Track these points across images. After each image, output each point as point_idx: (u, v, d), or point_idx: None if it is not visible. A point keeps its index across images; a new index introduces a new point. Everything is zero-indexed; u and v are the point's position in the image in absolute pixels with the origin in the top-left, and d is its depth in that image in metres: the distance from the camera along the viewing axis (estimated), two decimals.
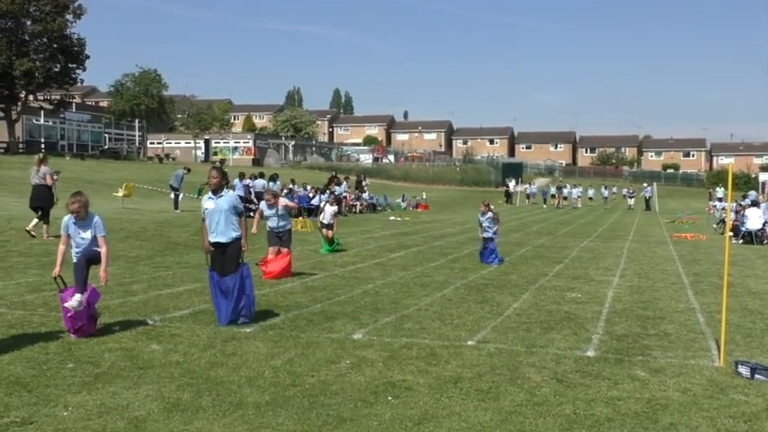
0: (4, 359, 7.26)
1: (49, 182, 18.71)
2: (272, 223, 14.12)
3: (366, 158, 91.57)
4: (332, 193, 21.73)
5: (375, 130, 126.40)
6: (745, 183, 79.19)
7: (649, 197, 54.80)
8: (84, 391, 6.34)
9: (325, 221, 18.76)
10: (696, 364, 7.87)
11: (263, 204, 14.31)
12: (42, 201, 18.65)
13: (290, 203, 14.62)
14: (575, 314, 10.64)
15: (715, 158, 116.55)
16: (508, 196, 59.53)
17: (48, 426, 5.50)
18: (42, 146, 60.78)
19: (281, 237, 14.15)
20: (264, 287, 12.34)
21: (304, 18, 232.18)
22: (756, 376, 7.35)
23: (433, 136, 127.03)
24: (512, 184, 61.62)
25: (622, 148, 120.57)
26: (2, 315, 9.31)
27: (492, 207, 17.39)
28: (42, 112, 62.71)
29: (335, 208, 19.75)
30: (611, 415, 6.12)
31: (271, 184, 30.30)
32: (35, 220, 18.36)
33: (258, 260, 13.98)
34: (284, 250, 13.93)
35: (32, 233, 18.06)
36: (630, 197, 57.42)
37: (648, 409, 6.30)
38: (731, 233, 8.09)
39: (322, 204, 20.56)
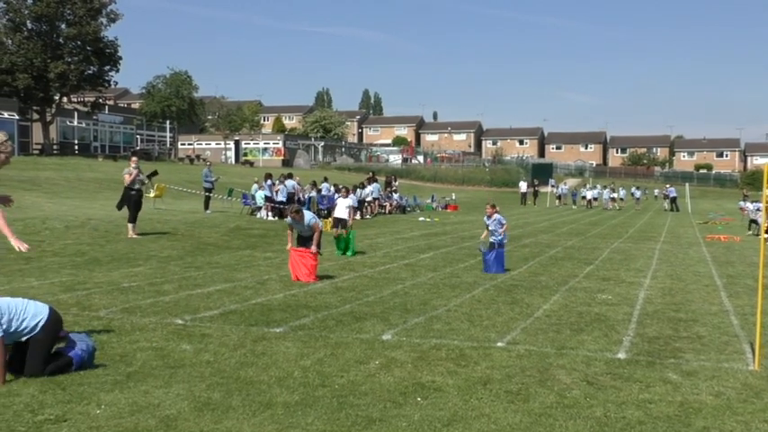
0: None
1: (126, 181, 19.51)
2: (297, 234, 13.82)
3: (395, 159, 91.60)
4: (345, 187, 20.86)
5: (404, 131, 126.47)
6: None
7: (674, 197, 53.91)
8: (116, 390, 6.40)
9: (336, 215, 17.89)
10: (730, 368, 7.76)
11: (288, 219, 13.88)
12: (122, 201, 20.01)
13: (316, 224, 13.71)
14: (605, 316, 10.55)
15: (749, 158, 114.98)
16: (524, 197, 58.11)
17: (81, 423, 5.55)
18: (76, 147, 61.61)
19: (306, 241, 13.60)
20: (293, 288, 12.40)
21: (333, 20, 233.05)
22: None
23: (462, 137, 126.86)
24: (523, 184, 60.34)
25: (654, 149, 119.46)
26: None
27: (498, 209, 16.28)
28: (76, 113, 63.50)
29: (350, 200, 18.93)
30: (643, 418, 6.06)
31: (288, 182, 30.43)
32: (129, 224, 19.54)
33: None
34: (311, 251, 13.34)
35: (132, 236, 19.27)
36: (665, 198, 55.78)
37: (681, 413, 6.23)
38: (766, 234, 7.96)
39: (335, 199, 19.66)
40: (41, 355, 6.72)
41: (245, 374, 7.00)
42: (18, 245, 7.74)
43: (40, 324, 6.78)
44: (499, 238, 15.49)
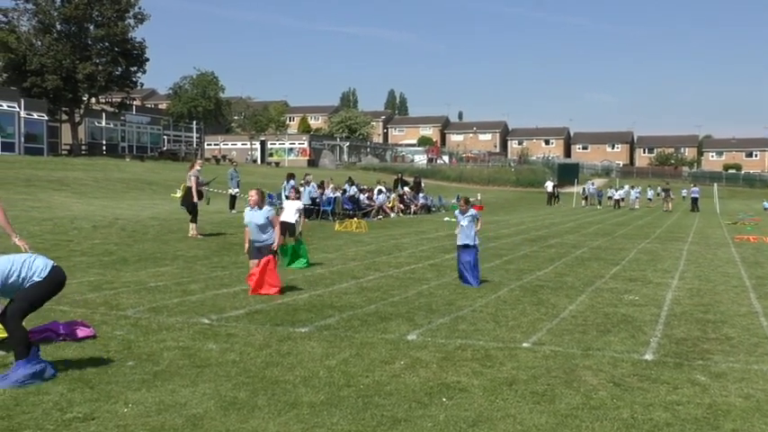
0: (67, 357, 7.43)
1: (193, 185, 20.06)
2: (252, 236, 12.14)
3: (420, 159, 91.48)
4: (294, 188, 17.66)
5: (430, 131, 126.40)
6: None
7: (696, 198, 53.12)
8: (143, 389, 6.45)
9: (283, 219, 14.86)
10: (759, 370, 7.68)
11: (246, 210, 12.29)
12: (186, 202, 20.29)
13: (276, 218, 12.31)
14: (632, 317, 10.47)
15: None
16: (550, 197, 57.41)
17: (109, 422, 5.61)
18: (104, 148, 62.22)
19: (262, 251, 11.91)
20: (319, 287, 12.43)
21: (359, 20, 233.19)
22: None
23: (488, 137, 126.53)
24: (549, 184, 59.75)
25: (681, 149, 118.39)
26: (64, 313, 9.53)
27: (471, 204, 14.23)
28: (104, 114, 64.14)
29: (299, 203, 16.46)
30: (671, 420, 6.01)
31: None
32: (191, 224, 19.98)
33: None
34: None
35: (192, 236, 19.65)
36: (693, 199, 54.42)
37: (709, 415, 6.17)
38: None
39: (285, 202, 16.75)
40: (27, 300, 6.63)
41: (271, 374, 7.03)
42: (22, 244, 7.93)
43: (42, 275, 6.68)
44: (472, 237, 13.39)
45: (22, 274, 6.58)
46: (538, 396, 6.55)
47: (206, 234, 20.35)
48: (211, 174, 27.73)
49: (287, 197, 17.59)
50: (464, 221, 13.44)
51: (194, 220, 19.81)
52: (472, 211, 13.69)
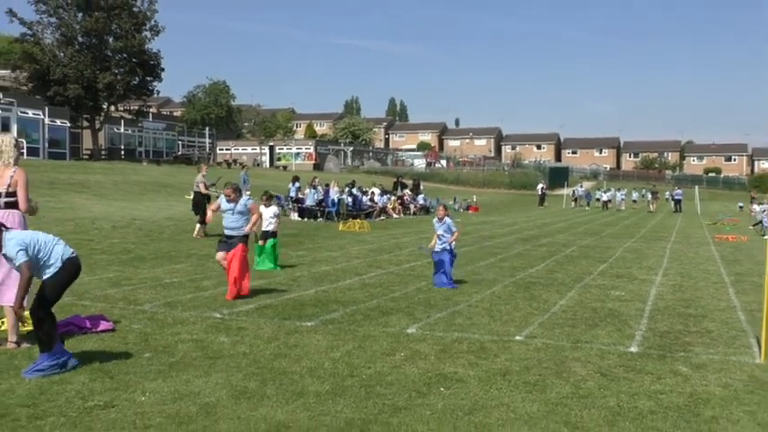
0: (88, 348, 7.44)
1: (202, 189, 19.90)
2: (225, 222, 11.18)
3: (419, 163, 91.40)
4: (267, 193, 15.67)
5: (428, 137, 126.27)
6: None
7: (678, 199, 53.11)
8: (159, 379, 6.46)
9: (264, 228, 14.41)
10: (737, 361, 7.68)
11: (221, 198, 11.31)
12: (195, 206, 20.50)
13: (255, 208, 11.56)
14: (618, 311, 10.47)
15: (756, 163, 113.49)
16: (542, 198, 56.79)
17: (127, 409, 5.62)
18: (122, 152, 62.23)
19: (232, 242, 11.00)
20: (324, 283, 12.43)
21: (361, 33, 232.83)
22: None
23: (483, 142, 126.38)
24: (540, 186, 59.56)
25: (665, 153, 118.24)
26: (86, 308, 9.55)
27: (449, 212, 13.42)
28: (122, 121, 64.16)
29: (274, 208, 15.21)
30: (654, 408, 6.01)
31: (297, 185, 30.39)
32: (197, 225, 19.99)
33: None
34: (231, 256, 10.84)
35: (197, 236, 19.69)
36: (675, 200, 54.44)
37: (690, 403, 6.17)
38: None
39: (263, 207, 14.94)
40: (50, 291, 6.63)
41: (279, 365, 7.04)
42: None
43: (59, 264, 6.67)
44: (446, 245, 12.64)
45: (44, 256, 6.60)
46: (530, 386, 6.55)
47: (213, 235, 20.28)
48: (216, 175, 27.65)
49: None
50: (440, 230, 12.75)
51: (202, 221, 19.76)
52: (448, 221, 12.81)
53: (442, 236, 12.71)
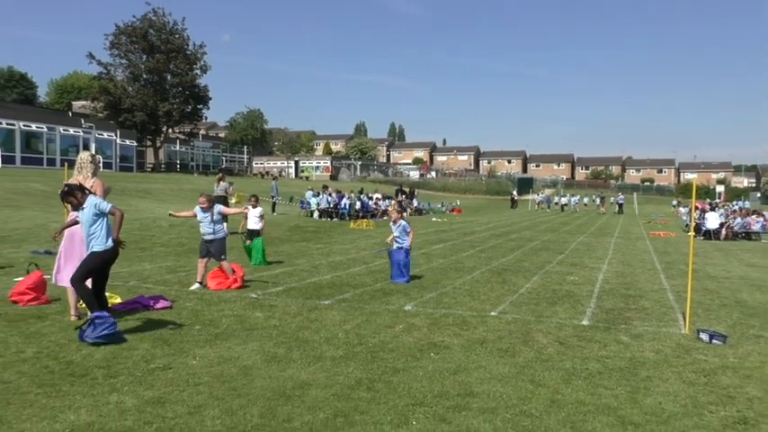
0: (151, 321, 7.44)
1: (229, 193, 20.09)
2: (202, 229, 10.13)
3: (414, 174, 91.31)
4: (254, 196, 14.64)
5: (421, 153, 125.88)
6: (705, 193, 78.47)
7: (621, 203, 53.22)
8: (207, 346, 6.46)
9: (250, 227, 13.62)
10: (667, 332, 7.66)
11: (197, 208, 10.18)
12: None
13: (227, 210, 10.89)
14: (573, 292, 10.45)
15: (682, 174, 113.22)
16: (513, 202, 57.56)
17: (182, 371, 5.62)
18: (178, 166, 62.17)
19: (211, 246, 10.07)
20: (338, 270, 12.40)
21: (368, 70, 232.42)
22: (713, 341, 7.15)
23: (465, 157, 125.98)
24: (515, 192, 60.02)
25: (610, 166, 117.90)
26: (149, 289, 9.54)
27: (405, 215, 11.36)
28: (178, 141, 64.05)
29: (260, 209, 14.25)
30: (602, 369, 6.00)
31: (310, 192, 30.28)
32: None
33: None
34: (225, 265, 10.13)
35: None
36: (619, 204, 54.32)
37: (630, 365, 6.16)
38: (694, 232, 7.83)
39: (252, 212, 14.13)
40: (86, 267, 6.66)
41: (302, 335, 7.03)
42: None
43: (100, 248, 6.69)
44: (405, 245, 11.14)
45: (97, 229, 6.69)
46: (502, 352, 6.54)
47: (233, 233, 20.07)
48: (232, 181, 27.52)
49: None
50: (396, 232, 11.24)
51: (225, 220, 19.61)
52: (403, 223, 11.28)
53: (398, 238, 11.17)
